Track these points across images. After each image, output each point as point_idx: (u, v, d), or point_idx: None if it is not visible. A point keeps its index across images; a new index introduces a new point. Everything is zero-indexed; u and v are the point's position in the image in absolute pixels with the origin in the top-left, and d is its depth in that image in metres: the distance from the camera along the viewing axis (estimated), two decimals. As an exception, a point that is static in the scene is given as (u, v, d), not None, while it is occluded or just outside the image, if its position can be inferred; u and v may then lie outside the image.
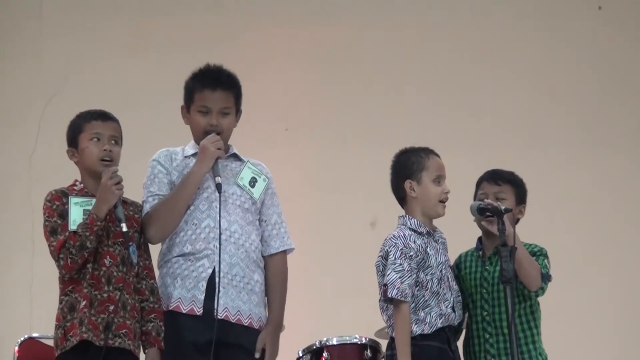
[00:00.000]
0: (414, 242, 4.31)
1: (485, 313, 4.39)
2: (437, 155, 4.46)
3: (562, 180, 6.87)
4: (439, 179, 4.40)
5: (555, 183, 6.75)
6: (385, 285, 4.27)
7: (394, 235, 4.34)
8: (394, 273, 4.24)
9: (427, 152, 4.46)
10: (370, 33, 7.09)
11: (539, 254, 4.38)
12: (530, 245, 4.40)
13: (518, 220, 4.47)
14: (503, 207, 4.19)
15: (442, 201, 4.39)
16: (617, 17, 7.16)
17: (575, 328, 6.52)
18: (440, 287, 4.31)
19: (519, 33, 7.14)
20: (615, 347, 6.66)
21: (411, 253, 4.28)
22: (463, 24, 7.14)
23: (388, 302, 4.29)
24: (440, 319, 4.28)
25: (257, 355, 4.22)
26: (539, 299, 4.43)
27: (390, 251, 4.30)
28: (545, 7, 7.17)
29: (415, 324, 4.25)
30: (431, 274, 4.31)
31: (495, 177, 4.51)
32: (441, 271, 4.34)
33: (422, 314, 4.27)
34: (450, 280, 4.38)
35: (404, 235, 4.32)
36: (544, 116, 7.04)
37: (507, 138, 6.91)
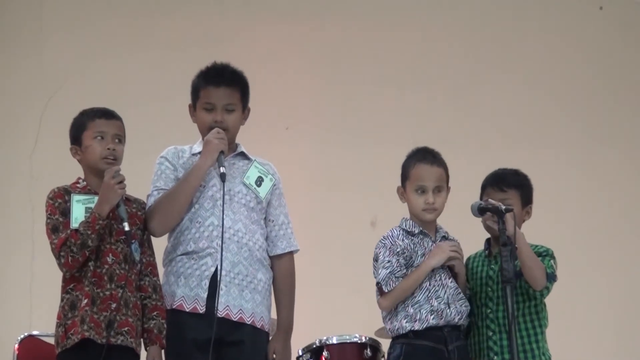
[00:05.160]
0: (402, 240, 4.36)
1: (489, 311, 4.39)
2: (427, 162, 4.37)
3: (564, 179, 6.87)
4: (422, 189, 4.35)
5: (556, 183, 6.75)
6: (378, 284, 4.34)
7: (383, 237, 4.42)
8: (384, 270, 4.31)
9: (416, 159, 4.39)
10: (371, 32, 7.09)
11: (545, 254, 4.37)
12: (537, 246, 4.39)
13: (524, 221, 4.48)
14: (504, 207, 4.18)
15: (425, 210, 4.36)
16: (618, 17, 7.16)
17: (577, 329, 6.51)
18: (429, 284, 4.32)
19: (520, 33, 7.14)
20: (616, 347, 6.66)
21: (398, 250, 4.34)
22: (464, 23, 7.14)
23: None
24: (431, 315, 4.28)
25: None
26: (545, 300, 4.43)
27: (380, 252, 4.37)
28: (546, 7, 7.17)
29: (405, 320, 4.29)
30: None
31: (499, 182, 4.48)
32: (432, 269, 4.34)
33: (412, 310, 4.29)
34: (443, 278, 4.37)
35: (392, 235, 4.39)
36: (545, 116, 7.04)
37: (508, 138, 6.91)
